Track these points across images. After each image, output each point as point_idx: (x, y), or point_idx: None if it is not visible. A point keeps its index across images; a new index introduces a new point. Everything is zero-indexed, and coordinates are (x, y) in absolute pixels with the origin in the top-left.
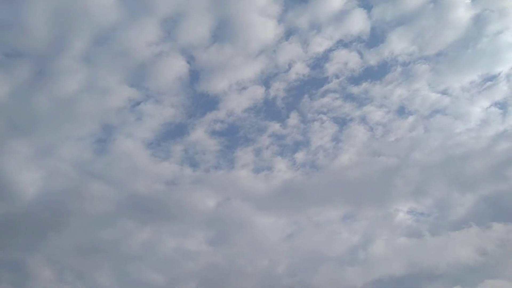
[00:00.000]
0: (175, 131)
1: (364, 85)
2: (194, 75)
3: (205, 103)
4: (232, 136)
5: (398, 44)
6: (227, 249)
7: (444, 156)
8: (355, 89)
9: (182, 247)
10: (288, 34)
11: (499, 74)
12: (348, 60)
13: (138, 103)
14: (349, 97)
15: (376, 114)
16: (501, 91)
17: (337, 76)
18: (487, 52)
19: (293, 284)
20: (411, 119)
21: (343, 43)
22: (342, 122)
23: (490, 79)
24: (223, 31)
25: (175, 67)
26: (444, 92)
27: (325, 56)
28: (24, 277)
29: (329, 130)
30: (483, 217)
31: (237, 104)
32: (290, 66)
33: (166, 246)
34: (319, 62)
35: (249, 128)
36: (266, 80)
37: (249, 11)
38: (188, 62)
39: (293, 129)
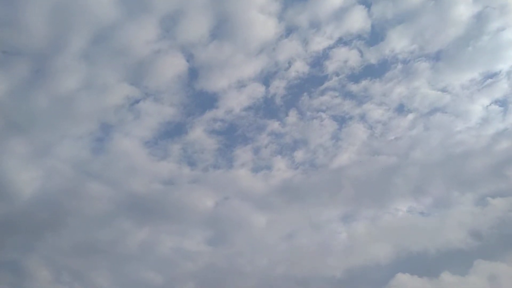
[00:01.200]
0: (173, 130)
1: (364, 83)
2: (193, 73)
3: (204, 101)
4: (231, 135)
5: (398, 42)
6: (226, 249)
7: (444, 155)
8: (354, 87)
9: (181, 247)
10: (288, 32)
11: (500, 71)
12: (348, 58)
13: (137, 101)
14: (348, 95)
15: (375, 112)
16: (501, 88)
17: (337, 74)
18: (488, 50)
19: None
20: (410, 117)
21: (343, 41)
22: (342, 120)
23: (491, 76)
24: (223, 29)
25: (174, 65)
26: (444, 90)
27: (325, 54)
28: (22, 278)
29: (329, 129)
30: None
31: (236, 102)
32: (290, 64)
33: (164, 246)
34: (319, 60)
35: (248, 127)
36: (265, 78)
37: (249, 9)
38: (187, 60)
39: (292, 127)
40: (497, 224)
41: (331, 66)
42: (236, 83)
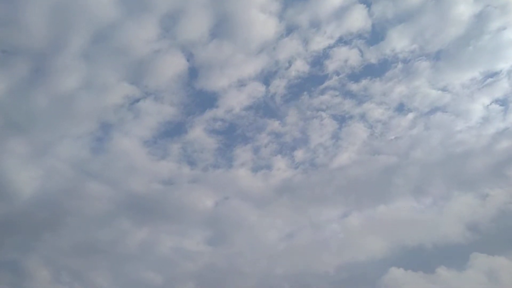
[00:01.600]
0: (173, 129)
1: (364, 82)
2: (193, 73)
3: (204, 101)
4: (230, 134)
5: (399, 42)
6: (226, 249)
7: (445, 155)
8: (354, 87)
9: (180, 247)
10: (289, 31)
11: (500, 71)
12: (348, 57)
13: (137, 101)
14: (348, 95)
15: (376, 112)
16: (502, 88)
17: (337, 74)
18: (489, 49)
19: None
20: (411, 116)
21: (343, 41)
22: (342, 120)
23: (491, 76)
24: (223, 28)
25: (174, 65)
26: (444, 89)
27: (325, 54)
28: (21, 278)
29: (329, 128)
30: None
31: (236, 102)
32: (290, 63)
33: (164, 246)
34: (319, 59)
35: (248, 126)
36: (266, 78)
37: (249, 8)
38: (187, 60)
39: (292, 126)
40: (497, 217)
41: (331, 66)
42: (236, 83)
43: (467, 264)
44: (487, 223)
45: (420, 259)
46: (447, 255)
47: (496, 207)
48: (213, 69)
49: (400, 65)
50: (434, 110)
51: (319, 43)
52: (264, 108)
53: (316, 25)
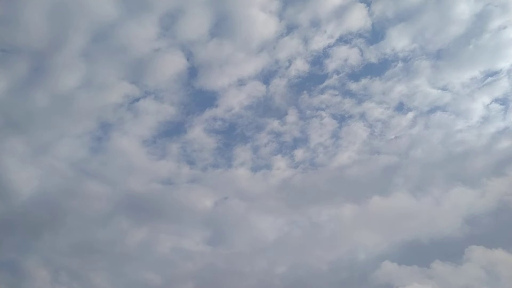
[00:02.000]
0: (172, 129)
1: (364, 81)
2: (193, 72)
3: (203, 100)
4: (230, 134)
5: (399, 41)
6: (225, 249)
7: (445, 154)
8: (354, 86)
9: (179, 247)
10: (289, 30)
11: (501, 70)
12: (348, 56)
13: (137, 100)
14: (348, 94)
15: (376, 111)
16: (502, 87)
17: (337, 73)
18: (489, 48)
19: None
20: (411, 115)
21: (343, 40)
22: (342, 119)
23: (491, 75)
24: (223, 27)
25: (173, 64)
26: (444, 88)
27: (325, 53)
28: (20, 278)
29: (328, 127)
30: None
31: (236, 101)
32: (290, 62)
33: (163, 246)
34: (319, 58)
35: (248, 126)
36: (265, 77)
37: (249, 7)
38: (187, 59)
39: (292, 126)
40: (495, 210)
41: (331, 65)
42: (236, 82)
43: (464, 258)
44: (485, 216)
45: (415, 253)
46: (444, 249)
47: (495, 199)
48: (213, 68)
49: (400, 64)
50: (434, 109)
51: (319, 42)
52: (264, 108)
53: (316, 24)
